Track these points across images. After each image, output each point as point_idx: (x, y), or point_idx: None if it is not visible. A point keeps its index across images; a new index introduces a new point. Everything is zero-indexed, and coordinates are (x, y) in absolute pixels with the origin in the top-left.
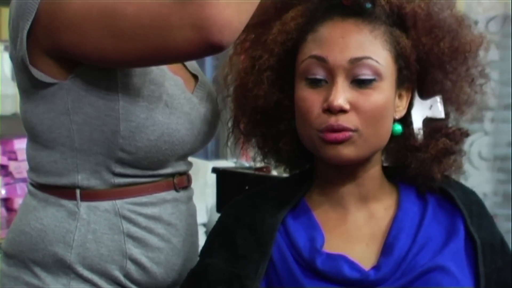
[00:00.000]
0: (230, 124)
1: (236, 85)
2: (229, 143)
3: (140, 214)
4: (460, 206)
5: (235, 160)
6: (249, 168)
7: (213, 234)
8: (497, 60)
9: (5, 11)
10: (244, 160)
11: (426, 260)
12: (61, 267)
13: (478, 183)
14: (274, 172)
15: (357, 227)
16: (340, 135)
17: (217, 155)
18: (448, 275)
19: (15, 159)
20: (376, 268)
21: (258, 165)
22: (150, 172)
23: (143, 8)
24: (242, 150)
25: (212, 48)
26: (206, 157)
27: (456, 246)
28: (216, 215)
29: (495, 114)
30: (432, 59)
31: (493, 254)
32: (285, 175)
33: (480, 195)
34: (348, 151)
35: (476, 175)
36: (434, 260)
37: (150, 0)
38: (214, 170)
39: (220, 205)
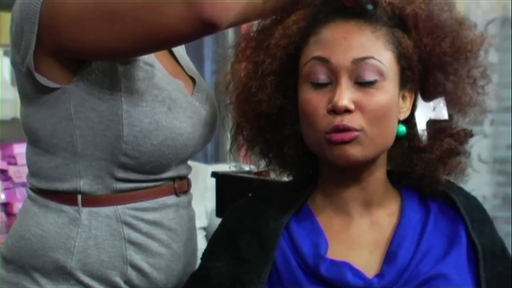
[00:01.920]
0: (233, 132)
1: (238, 92)
2: (232, 150)
3: (142, 219)
4: (462, 211)
5: (235, 164)
6: (249, 172)
7: (216, 237)
8: (497, 62)
9: (5, 16)
10: (244, 164)
11: (428, 268)
12: (62, 274)
13: (477, 186)
14: (273, 176)
15: (360, 234)
16: (347, 135)
17: (217, 159)
18: (449, 282)
19: (15, 164)
20: (379, 276)
21: (258, 169)
22: (152, 177)
23: None
24: (243, 155)
25: (204, 25)
26: (206, 160)
27: (457, 253)
28: (216, 219)
29: (494, 116)
30: (434, 60)
31: (494, 260)
32: (285, 179)
33: (480, 198)
34: (355, 151)
35: (476, 178)
36: (436, 268)
37: None
38: (214, 174)
39: (220, 209)
